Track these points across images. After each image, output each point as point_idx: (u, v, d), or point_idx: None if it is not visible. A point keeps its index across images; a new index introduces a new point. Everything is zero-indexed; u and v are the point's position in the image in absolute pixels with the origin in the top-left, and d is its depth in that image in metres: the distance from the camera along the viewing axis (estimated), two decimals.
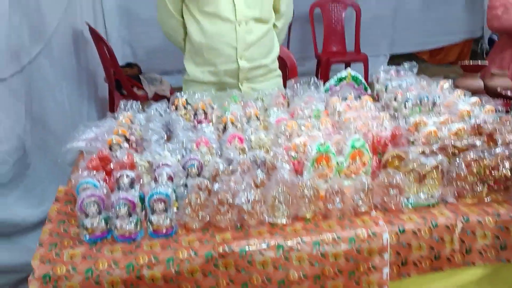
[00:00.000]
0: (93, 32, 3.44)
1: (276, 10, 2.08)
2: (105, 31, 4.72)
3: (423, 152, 1.26)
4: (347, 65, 4.98)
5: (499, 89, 1.83)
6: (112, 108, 3.80)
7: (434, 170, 1.21)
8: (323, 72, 4.72)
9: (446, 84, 1.75)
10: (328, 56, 4.75)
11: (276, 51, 2.11)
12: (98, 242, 1.12)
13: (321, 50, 4.95)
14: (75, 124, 3.18)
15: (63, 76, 3.03)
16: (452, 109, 1.52)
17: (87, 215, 1.10)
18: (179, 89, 2.08)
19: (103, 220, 1.11)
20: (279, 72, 2.17)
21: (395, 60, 5.85)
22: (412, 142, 1.40)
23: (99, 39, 3.43)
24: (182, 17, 2.00)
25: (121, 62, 4.52)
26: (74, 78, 3.28)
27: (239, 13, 1.88)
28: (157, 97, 3.64)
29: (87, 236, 1.12)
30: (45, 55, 2.71)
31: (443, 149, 1.30)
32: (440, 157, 1.21)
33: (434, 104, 1.56)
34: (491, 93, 1.86)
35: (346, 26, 5.07)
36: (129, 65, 3.98)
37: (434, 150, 1.28)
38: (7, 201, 2.08)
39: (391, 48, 5.71)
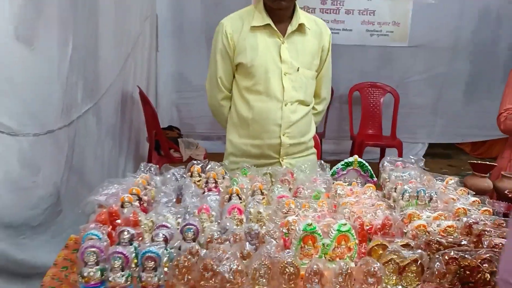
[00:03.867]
0: (142, 95, 3.76)
1: (317, 95, 2.27)
2: (156, 93, 5.12)
3: (407, 244, 1.31)
4: (382, 149, 5.05)
5: (507, 192, 1.85)
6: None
7: (414, 264, 1.25)
8: (356, 153, 4.77)
9: (452, 180, 1.80)
10: (362, 138, 4.85)
11: (313, 131, 2.27)
12: None
13: (357, 131, 5.07)
14: (110, 178, 3.42)
15: (107, 133, 3.31)
16: (449, 206, 1.57)
17: (86, 264, 1.22)
18: (214, 155, 2.23)
19: (99, 271, 1.23)
20: (314, 150, 2.31)
21: (435, 148, 5.83)
22: (406, 234, 1.45)
23: (146, 102, 3.74)
24: (231, 91, 2.19)
25: (167, 123, 4.86)
26: (117, 135, 3.55)
27: (287, 95, 2.06)
28: (191, 160, 3.84)
29: (83, 284, 1.23)
30: (93, 113, 2.99)
31: (428, 244, 1.34)
32: (420, 251, 1.26)
33: (430, 198, 1.61)
34: (499, 194, 1.89)
35: (384, 111, 5.21)
36: (170, 128, 4.26)
37: (418, 244, 1.32)
38: (33, 243, 2.24)
39: (430, 137, 5.73)
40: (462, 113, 5.64)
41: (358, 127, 5.13)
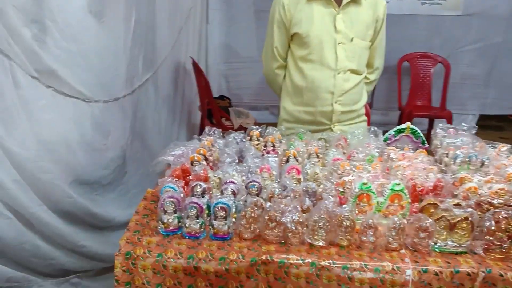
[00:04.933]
0: (195, 65, 3.92)
1: (370, 65, 2.33)
2: (206, 64, 5.27)
3: (458, 204, 1.39)
4: (431, 120, 5.00)
5: None
6: (201, 134, 4.23)
7: (465, 222, 1.33)
8: None
9: (504, 148, 1.84)
10: (411, 109, 4.82)
11: (364, 100, 2.34)
12: (170, 235, 1.40)
13: (405, 102, 5.04)
14: (166, 144, 3.67)
15: (163, 101, 3.51)
16: (501, 171, 1.62)
17: (165, 212, 1.40)
18: (261, 125, 2.35)
19: (176, 218, 1.40)
20: (365, 117, 2.39)
21: (486, 120, 5.69)
22: (455, 196, 1.53)
23: (199, 72, 3.90)
24: (285, 60, 2.29)
25: (215, 94, 5.02)
26: (171, 104, 3.75)
27: (340, 64, 2.14)
28: (241, 129, 3.99)
29: (163, 229, 1.41)
30: (152, 82, 3.19)
31: (479, 204, 1.41)
32: (470, 209, 1.34)
33: (482, 164, 1.67)
34: None
35: (434, 81, 5.13)
36: (221, 97, 4.41)
37: (469, 204, 1.40)
38: (104, 199, 2.48)
39: (482, 108, 5.57)
40: None
41: (407, 98, 5.08)
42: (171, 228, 1.40)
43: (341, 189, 1.52)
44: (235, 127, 3.95)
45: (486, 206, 1.40)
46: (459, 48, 5.27)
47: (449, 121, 4.71)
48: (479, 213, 1.38)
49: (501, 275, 1.28)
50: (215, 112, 3.90)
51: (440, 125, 1.98)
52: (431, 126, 5.08)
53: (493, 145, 1.87)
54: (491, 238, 1.33)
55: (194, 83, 4.22)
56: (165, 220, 1.40)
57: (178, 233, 1.41)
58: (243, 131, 1.99)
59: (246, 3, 5.26)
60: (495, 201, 1.41)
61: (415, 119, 4.79)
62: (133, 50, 2.72)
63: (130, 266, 1.32)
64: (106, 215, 2.42)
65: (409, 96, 5.09)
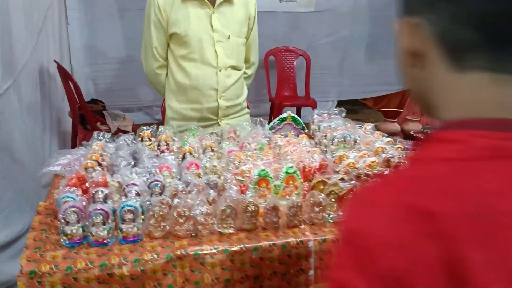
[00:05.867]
0: (60, 69, 3.66)
1: (247, 60, 2.47)
2: (71, 67, 4.94)
3: (342, 179, 1.59)
4: (298, 109, 5.42)
5: (412, 132, 2.23)
6: (75, 141, 3.98)
7: (350, 193, 1.53)
8: (275, 114, 5.12)
9: (369, 126, 2.13)
10: (280, 100, 5.17)
11: (245, 93, 2.49)
12: (75, 247, 1.35)
13: (274, 94, 5.38)
14: (38, 155, 3.36)
15: (28, 110, 3.23)
16: (370, 147, 1.88)
17: (67, 223, 1.33)
18: (139, 126, 2.33)
19: (81, 228, 1.35)
20: (247, 110, 2.54)
21: (343, 105, 6.37)
22: (337, 172, 1.73)
23: (66, 75, 3.65)
24: (166, 59, 2.29)
25: (85, 98, 4.73)
26: (38, 112, 3.47)
27: (221, 61, 2.23)
28: (120, 132, 3.85)
29: (67, 241, 1.34)
30: (14, 89, 2.91)
31: (358, 176, 1.63)
32: (354, 181, 1.55)
33: (355, 142, 1.92)
34: (406, 135, 2.27)
35: (298, 73, 5.56)
36: (93, 101, 4.20)
37: (351, 177, 1.61)
38: None
39: (339, 94, 6.22)
40: (364, 72, 6.18)
41: (275, 90, 5.43)
42: (75, 239, 1.35)
43: (240, 178, 1.61)
44: (113, 131, 3.80)
45: (364, 177, 1.62)
46: (315, 41, 5.79)
47: (314, 109, 5.14)
48: (360, 184, 1.60)
49: None
50: (89, 117, 3.71)
51: (316, 111, 2.21)
52: (298, 114, 5.51)
53: (360, 125, 2.14)
54: None
55: (60, 88, 3.94)
56: (69, 232, 1.34)
57: (84, 243, 1.36)
58: (133, 133, 1.96)
59: (106, 2, 5.04)
60: (370, 173, 1.64)
61: (284, 108, 5.16)
62: None
63: (36, 285, 1.24)
64: None
65: (277, 88, 5.44)
